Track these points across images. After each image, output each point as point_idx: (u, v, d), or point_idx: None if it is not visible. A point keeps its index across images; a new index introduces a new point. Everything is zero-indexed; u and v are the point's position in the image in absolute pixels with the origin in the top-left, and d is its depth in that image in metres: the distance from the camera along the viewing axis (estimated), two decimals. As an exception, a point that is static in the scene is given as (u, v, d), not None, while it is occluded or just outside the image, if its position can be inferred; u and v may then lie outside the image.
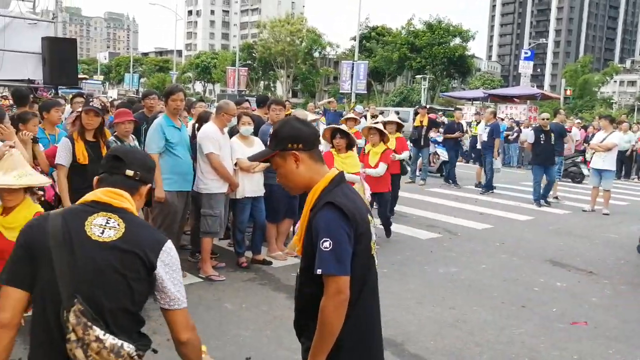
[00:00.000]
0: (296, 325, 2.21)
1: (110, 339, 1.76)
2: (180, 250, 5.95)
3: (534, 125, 15.17)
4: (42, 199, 4.68)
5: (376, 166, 7.03)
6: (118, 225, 1.87)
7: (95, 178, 1.98)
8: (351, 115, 9.35)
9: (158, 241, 1.93)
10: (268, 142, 2.25)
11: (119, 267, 1.83)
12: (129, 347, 1.79)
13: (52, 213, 1.91)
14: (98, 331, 1.74)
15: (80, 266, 1.78)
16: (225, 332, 4.42)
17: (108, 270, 1.81)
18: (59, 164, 4.60)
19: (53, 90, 9.77)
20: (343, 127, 7.02)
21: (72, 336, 1.73)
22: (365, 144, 7.56)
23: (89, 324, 1.73)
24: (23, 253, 1.82)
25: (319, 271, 1.95)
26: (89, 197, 1.93)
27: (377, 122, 8.53)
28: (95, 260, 1.80)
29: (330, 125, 6.97)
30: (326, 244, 1.96)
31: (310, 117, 9.22)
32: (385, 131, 7.40)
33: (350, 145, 6.30)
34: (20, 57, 9.88)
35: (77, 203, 1.96)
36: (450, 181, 13.09)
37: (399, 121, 8.79)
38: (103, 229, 1.84)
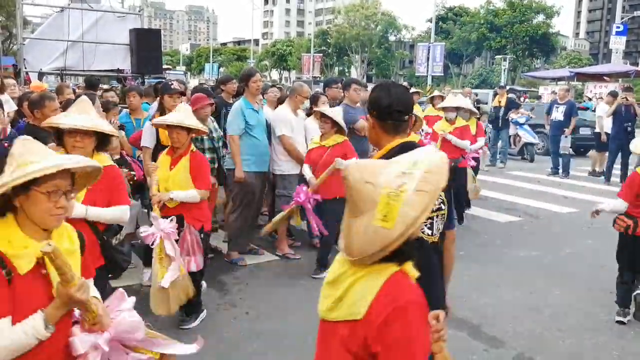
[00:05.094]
0: None
1: None
2: (258, 230, 6.17)
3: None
4: (134, 179, 5.02)
5: None
6: None
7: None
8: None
9: None
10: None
11: None
12: None
13: None
14: None
15: None
16: (300, 307, 4.53)
17: None
18: (144, 146, 4.84)
19: (140, 79, 10.31)
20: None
21: None
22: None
23: None
24: None
25: None
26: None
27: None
28: None
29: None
30: None
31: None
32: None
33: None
34: (111, 49, 10.53)
35: None
36: None
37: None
38: None
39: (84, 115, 2.92)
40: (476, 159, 7.67)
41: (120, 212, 3.02)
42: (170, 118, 3.99)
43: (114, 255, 3.14)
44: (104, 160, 2.99)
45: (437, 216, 2.28)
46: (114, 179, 3.03)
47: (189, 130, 3.92)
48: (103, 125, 2.99)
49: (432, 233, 2.25)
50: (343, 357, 1.54)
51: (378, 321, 1.46)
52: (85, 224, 2.87)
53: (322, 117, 5.10)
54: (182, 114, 3.97)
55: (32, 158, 1.72)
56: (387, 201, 1.43)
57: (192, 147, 4.02)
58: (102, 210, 2.94)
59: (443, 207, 2.32)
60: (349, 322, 1.52)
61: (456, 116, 6.92)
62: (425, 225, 2.21)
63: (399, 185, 1.44)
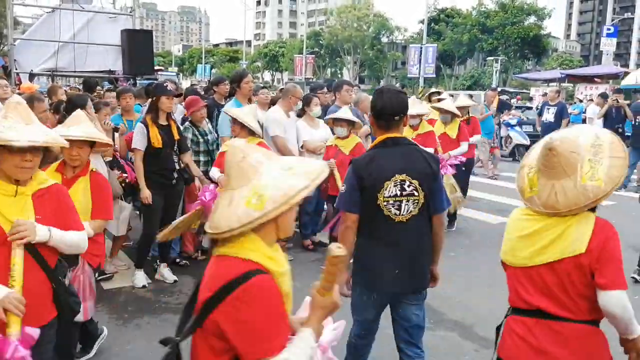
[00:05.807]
0: None
1: None
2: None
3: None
4: (126, 180, 5.01)
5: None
6: None
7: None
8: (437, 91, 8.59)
9: None
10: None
11: None
12: None
13: None
14: None
15: None
16: (293, 308, 4.53)
17: None
18: (135, 148, 4.80)
19: (132, 80, 10.27)
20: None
21: None
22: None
23: None
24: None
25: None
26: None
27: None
28: None
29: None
30: (342, 188, 2.78)
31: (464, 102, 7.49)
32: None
33: None
34: (102, 50, 10.48)
35: None
36: None
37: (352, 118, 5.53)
38: None
39: (30, 126, 2.22)
40: (467, 165, 7.02)
41: (78, 239, 2.40)
42: (71, 132, 3.03)
43: (67, 300, 2.42)
44: (44, 179, 2.35)
45: (407, 200, 2.68)
46: (64, 198, 2.41)
47: (92, 144, 3.17)
48: (56, 138, 2.34)
49: (399, 213, 2.69)
50: (562, 285, 2.02)
51: (598, 250, 1.93)
52: (35, 263, 2.22)
53: (232, 120, 4.64)
54: (83, 125, 3.13)
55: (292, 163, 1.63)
56: (591, 165, 1.91)
57: (92, 165, 3.26)
58: (65, 233, 2.31)
59: (416, 193, 2.69)
60: (565, 258, 1.97)
61: (420, 122, 6.26)
62: (393, 207, 2.67)
63: (595, 153, 1.92)
